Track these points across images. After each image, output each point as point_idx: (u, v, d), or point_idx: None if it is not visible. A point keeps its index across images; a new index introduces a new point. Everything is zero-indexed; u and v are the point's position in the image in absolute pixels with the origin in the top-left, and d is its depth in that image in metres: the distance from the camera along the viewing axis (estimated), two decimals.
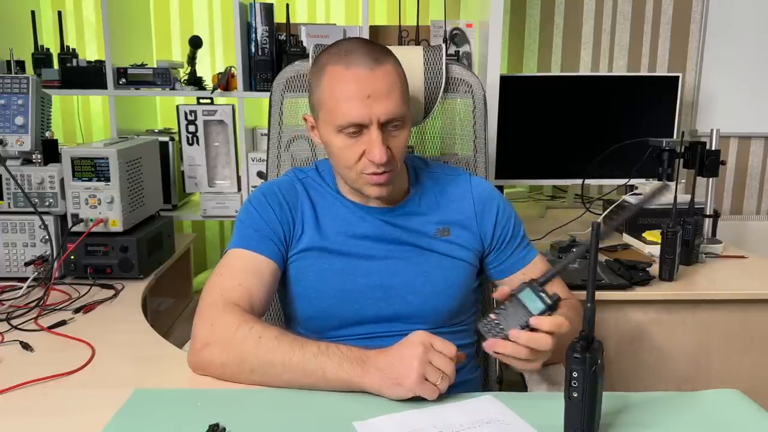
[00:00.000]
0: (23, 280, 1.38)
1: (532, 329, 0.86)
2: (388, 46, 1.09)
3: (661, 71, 2.49)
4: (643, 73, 2.48)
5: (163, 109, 2.41)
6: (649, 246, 1.72)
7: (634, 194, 2.03)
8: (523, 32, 2.48)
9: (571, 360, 0.76)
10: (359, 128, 1.01)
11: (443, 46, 1.36)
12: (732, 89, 2.48)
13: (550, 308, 0.86)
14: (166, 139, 1.99)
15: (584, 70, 2.49)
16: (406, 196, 1.16)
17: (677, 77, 2.16)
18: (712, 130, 1.74)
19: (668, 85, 2.17)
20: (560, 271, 0.87)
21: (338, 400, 0.89)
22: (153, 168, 1.66)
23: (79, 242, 1.42)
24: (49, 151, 1.49)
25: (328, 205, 1.13)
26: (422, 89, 1.32)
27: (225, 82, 1.94)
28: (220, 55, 2.41)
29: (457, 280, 1.13)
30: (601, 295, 1.45)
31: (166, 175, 1.98)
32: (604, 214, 2.01)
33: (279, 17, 1.99)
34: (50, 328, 1.18)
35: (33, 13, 2.01)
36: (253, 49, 1.95)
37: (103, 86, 1.95)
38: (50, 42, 2.25)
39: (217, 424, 0.79)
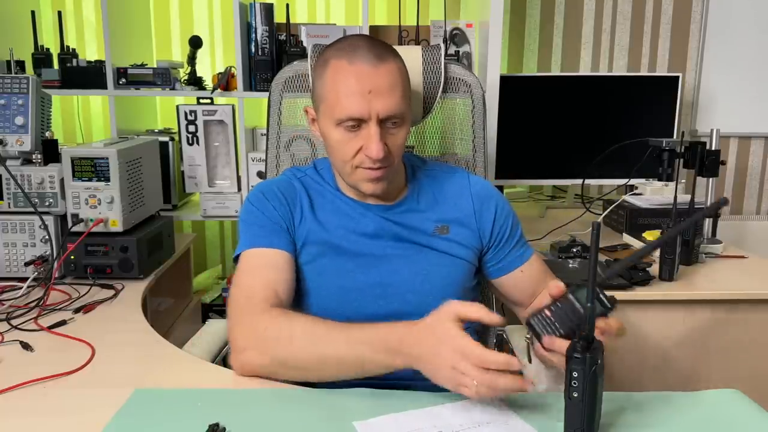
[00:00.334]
0: (23, 280, 1.38)
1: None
2: None
3: (661, 71, 2.49)
4: (643, 73, 2.48)
5: (163, 109, 2.41)
6: None
7: (634, 194, 2.03)
8: (523, 32, 2.48)
9: (572, 360, 0.76)
10: (358, 123, 1.01)
11: (442, 45, 1.36)
12: (732, 89, 2.48)
13: (608, 312, 0.83)
14: (166, 139, 1.99)
15: (584, 70, 2.49)
16: (403, 193, 1.16)
17: (677, 77, 2.17)
18: (712, 130, 1.74)
19: (668, 85, 2.17)
20: (624, 268, 0.84)
21: (338, 400, 0.89)
22: (153, 168, 1.66)
23: (79, 242, 1.42)
24: (49, 151, 1.49)
25: (327, 202, 1.13)
26: (421, 89, 1.32)
27: (225, 82, 1.94)
28: (220, 55, 2.41)
29: (456, 278, 1.13)
30: None
31: (166, 175, 1.98)
32: (604, 214, 2.01)
33: (279, 17, 1.99)
34: (50, 328, 1.18)
35: (33, 13, 2.01)
36: (253, 49, 1.95)
37: (103, 86, 1.95)
38: (50, 42, 2.26)
39: (217, 424, 0.79)
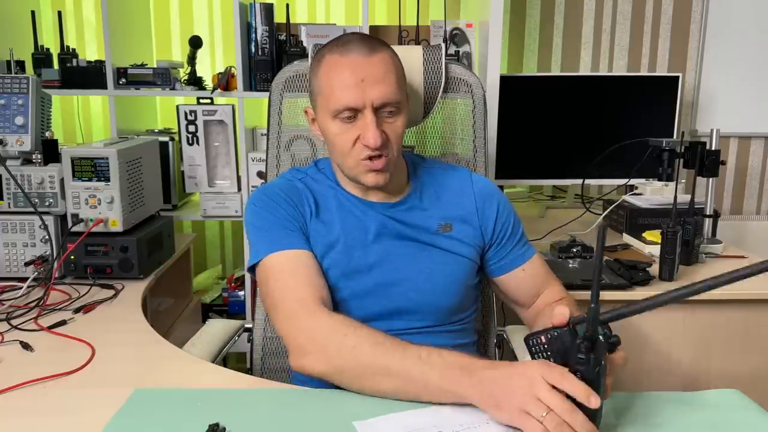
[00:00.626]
0: (23, 280, 1.38)
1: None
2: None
3: (661, 71, 2.49)
4: (643, 73, 2.48)
5: (163, 109, 2.41)
6: (649, 246, 1.72)
7: (634, 194, 2.03)
8: (523, 32, 2.48)
9: (575, 360, 0.75)
10: (354, 113, 1.02)
11: (443, 45, 1.36)
12: (732, 89, 2.48)
13: (608, 351, 0.81)
14: (166, 139, 1.99)
15: (584, 70, 2.49)
16: (405, 190, 1.16)
17: (677, 77, 2.17)
18: (712, 130, 1.74)
19: (668, 85, 2.17)
20: (632, 314, 0.80)
21: (338, 400, 0.89)
22: (153, 168, 1.66)
23: (79, 242, 1.42)
24: (49, 151, 1.49)
25: (331, 200, 1.13)
26: (422, 89, 1.32)
27: (225, 82, 1.94)
28: (220, 55, 2.41)
29: (458, 276, 1.13)
30: (601, 295, 1.43)
31: (166, 175, 1.98)
32: (604, 214, 2.01)
33: (279, 17, 1.99)
34: (50, 328, 1.18)
35: (33, 13, 2.01)
36: (253, 49, 1.95)
37: (103, 86, 1.95)
38: (50, 42, 2.25)
39: (217, 424, 0.79)
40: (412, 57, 1.31)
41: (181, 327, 1.89)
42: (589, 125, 2.18)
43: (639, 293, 1.48)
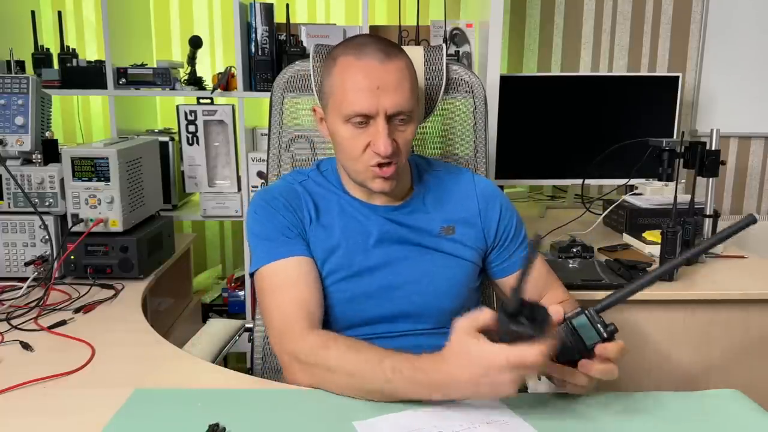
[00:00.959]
0: (23, 280, 1.38)
1: (588, 354, 0.84)
2: None
3: (661, 71, 2.49)
4: (643, 73, 2.48)
5: (163, 109, 2.41)
6: (649, 246, 1.72)
7: (634, 194, 2.03)
8: (523, 32, 2.48)
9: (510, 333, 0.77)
10: (366, 119, 1.01)
11: (444, 46, 1.36)
12: (732, 89, 2.48)
13: (606, 341, 0.83)
14: (166, 139, 1.99)
15: (584, 70, 2.49)
16: (409, 194, 1.15)
17: (677, 77, 2.17)
18: (712, 130, 1.73)
19: (668, 85, 2.17)
20: (621, 299, 0.83)
21: (338, 400, 0.89)
22: (153, 168, 1.66)
23: (79, 242, 1.42)
24: (49, 151, 1.49)
25: (332, 204, 1.13)
26: (423, 89, 1.32)
27: (225, 82, 1.94)
28: (220, 55, 2.41)
29: (461, 279, 1.13)
30: (601, 295, 1.44)
31: (166, 175, 1.98)
32: (604, 214, 2.01)
33: (279, 17, 1.99)
34: (50, 328, 1.18)
35: (33, 13, 2.01)
36: (253, 49, 1.95)
37: (103, 86, 1.95)
38: (50, 42, 2.25)
39: (217, 424, 0.79)
40: (413, 57, 1.29)
41: (181, 327, 1.89)
42: (589, 125, 2.18)
43: (639, 293, 1.47)
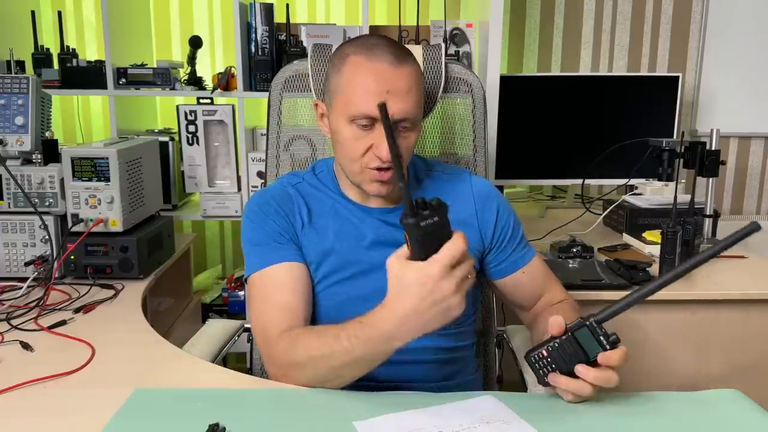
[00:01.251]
0: (23, 280, 1.38)
1: (591, 366, 0.84)
2: None
3: (661, 71, 2.49)
4: (643, 73, 2.48)
5: (163, 109, 2.41)
6: (649, 246, 1.72)
7: (634, 194, 2.03)
8: (523, 32, 2.48)
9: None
10: (371, 122, 1.01)
11: (443, 45, 1.36)
12: (732, 89, 2.48)
13: (609, 348, 0.83)
14: (166, 139, 1.99)
15: (584, 70, 2.49)
16: None
17: (677, 77, 2.17)
18: (712, 130, 1.74)
19: (668, 85, 2.17)
20: (622, 310, 0.83)
21: (338, 400, 0.89)
22: (153, 168, 1.67)
23: (79, 242, 1.42)
24: (49, 151, 1.49)
25: (326, 207, 1.12)
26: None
27: (225, 82, 1.94)
28: (220, 55, 2.41)
29: None
30: (601, 295, 1.45)
31: (166, 175, 1.98)
32: (604, 214, 2.01)
33: (279, 17, 1.99)
34: (50, 328, 1.18)
35: (33, 13, 2.01)
36: (253, 49, 1.95)
37: (103, 86, 1.95)
38: (50, 42, 2.25)
39: (217, 424, 0.79)
40: None
41: (181, 327, 1.89)
42: (589, 125, 2.18)
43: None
